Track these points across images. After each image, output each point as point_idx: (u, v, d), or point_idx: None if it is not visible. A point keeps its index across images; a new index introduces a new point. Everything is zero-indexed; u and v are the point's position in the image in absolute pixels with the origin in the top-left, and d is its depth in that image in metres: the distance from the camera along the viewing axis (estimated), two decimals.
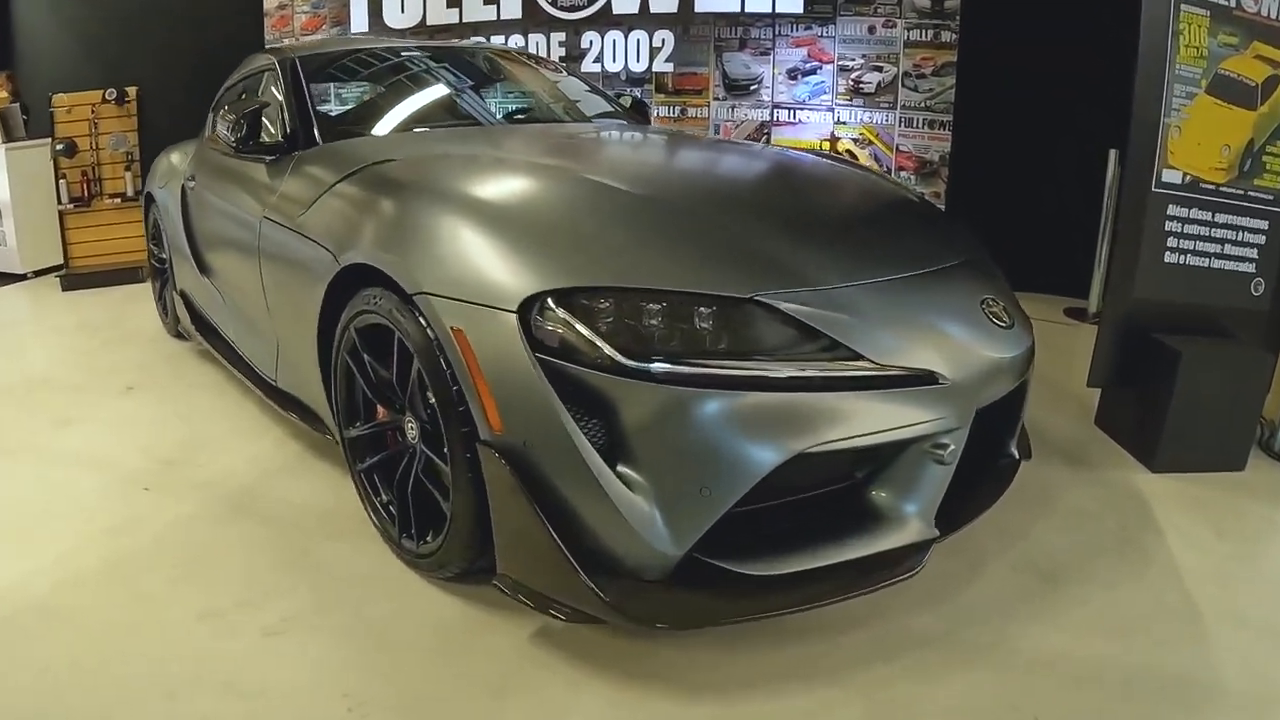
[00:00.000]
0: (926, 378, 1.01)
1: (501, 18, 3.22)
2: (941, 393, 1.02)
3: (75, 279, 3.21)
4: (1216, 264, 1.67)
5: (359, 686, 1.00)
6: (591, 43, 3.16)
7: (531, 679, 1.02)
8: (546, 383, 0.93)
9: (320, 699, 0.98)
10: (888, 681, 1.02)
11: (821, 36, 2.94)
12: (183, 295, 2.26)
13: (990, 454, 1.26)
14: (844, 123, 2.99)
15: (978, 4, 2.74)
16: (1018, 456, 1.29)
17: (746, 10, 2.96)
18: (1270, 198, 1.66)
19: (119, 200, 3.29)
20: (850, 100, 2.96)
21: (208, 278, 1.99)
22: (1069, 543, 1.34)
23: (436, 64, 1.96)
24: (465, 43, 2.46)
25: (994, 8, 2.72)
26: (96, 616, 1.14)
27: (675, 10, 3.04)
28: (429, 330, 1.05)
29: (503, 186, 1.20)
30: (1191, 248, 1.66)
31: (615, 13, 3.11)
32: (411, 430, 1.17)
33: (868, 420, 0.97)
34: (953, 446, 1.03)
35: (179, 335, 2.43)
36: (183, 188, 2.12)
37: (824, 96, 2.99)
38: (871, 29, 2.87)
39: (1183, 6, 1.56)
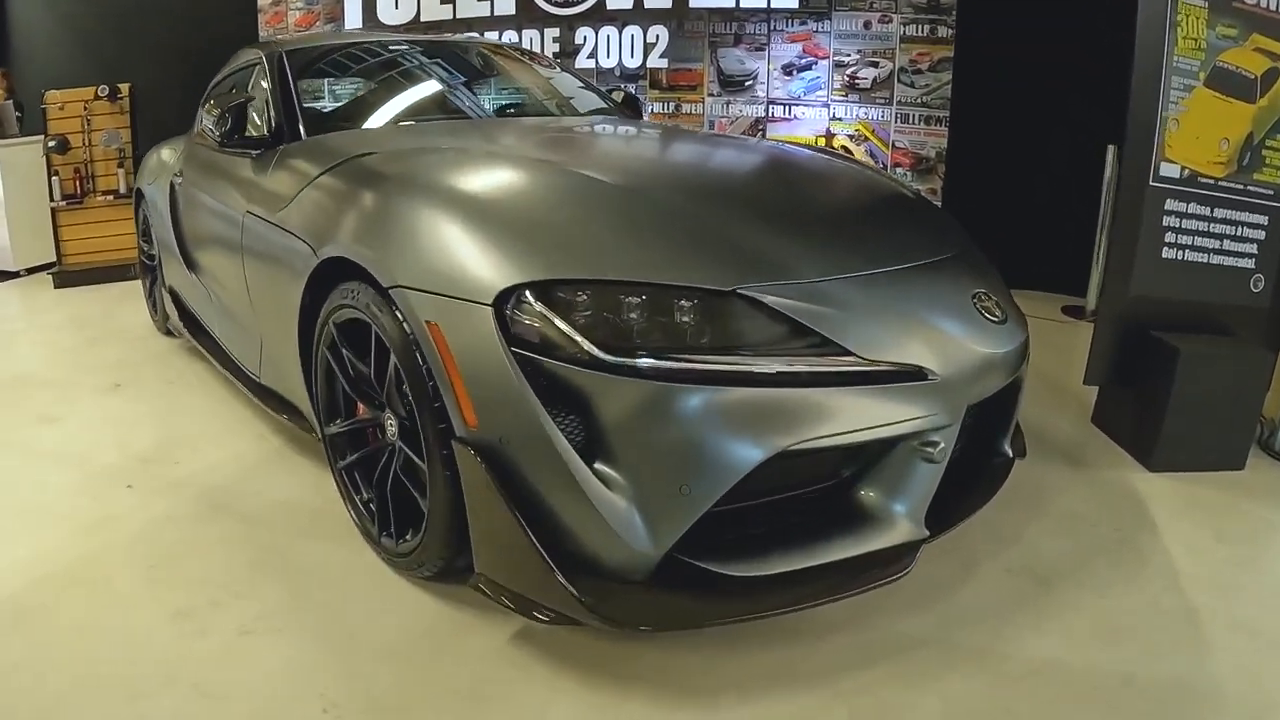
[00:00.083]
0: (915, 373, 0.99)
1: (495, 13, 3.20)
2: (931, 389, 0.99)
3: (67, 276, 3.20)
4: (1215, 260, 1.64)
5: (333, 688, 0.98)
6: (586, 38, 3.15)
7: (509, 681, 1.00)
8: (522, 378, 0.91)
9: (293, 701, 0.96)
10: (874, 686, 0.99)
11: (817, 32, 2.92)
12: (171, 292, 2.24)
13: (983, 452, 1.24)
14: (840, 119, 2.97)
15: None
16: (1011, 455, 1.27)
17: (741, 5, 2.95)
18: (1270, 192, 1.63)
19: (111, 197, 3.27)
20: (846, 96, 2.94)
21: (195, 274, 1.98)
22: (1063, 545, 1.31)
23: (425, 58, 1.94)
24: (455, 37, 2.44)
25: (990, 2, 2.70)
26: (69, 615, 1.13)
27: (670, 5, 3.02)
28: (405, 325, 1.03)
29: (482, 179, 1.18)
30: (1190, 243, 1.63)
31: (609, 8, 3.09)
32: (391, 427, 1.15)
33: (854, 417, 0.94)
34: (943, 444, 1.01)
35: (168, 332, 2.42)
36: (171, 184, 2.10)
37: (819, 92, 2.97)
38: (867, 24, 2.85)
39: None
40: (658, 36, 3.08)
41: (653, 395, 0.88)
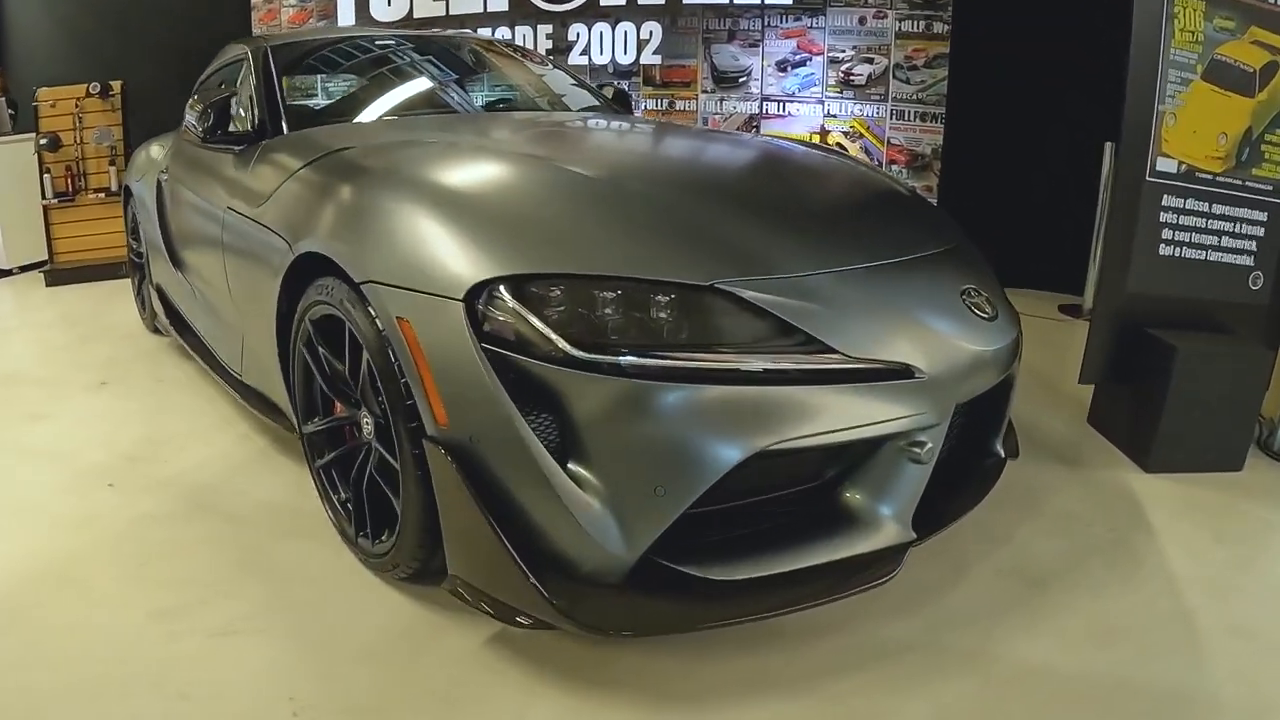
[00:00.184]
0: (901, 371, 0.96)
1: (488, 10, 3.18)
2: (917, 387, 0.96)
3: (59, 274, 3.19)
4: (1213, 256, 1.61)
5: (305, 690, 0.97)
6: (579, 35, 3.12)
7: (485, 685, 0.97)
8: (494, 375, 0.88)
9: (265, 703, 0.95)
10: (860, 692, 0.96)
11: (811, 28, 2.90)
12: (158, 290, 2.23)
13: (974, 452, 1.21)
14: (834, 115, 2.94)
15: None
16: (1004, 455, 1.24)
17: (735, 1, 2.92)
18: (1269, 188, 1.60)
19: (103, 195, 3.26)
20: (841, 92, 2.91)
21: (180, 271, 1.96)
22: (1057, 547, 1.28)
23: (412, 54, 1.92)
24: (443, 33, 2.42)
25: None
26: (47, 615, 1.12)
27: (663, 2, 3.00)
28: (377, 321, 1.01)
29: (458, 173, 1.15)
30: (1187, 240, 1.60)
31: (602, 4, 3.07)
32: (367, 426, 1.13)
33: (837, 416, 0.92)
34: (930, 444, 0.98)
35: (156, 330, 2.40)
36: (158, 180, 2.09)
37: (814, 89, 2.94)
38: (862, 20, 2.82)
39: None
40: (651, 33, 3.06)
41: (627, 393, 0.86)
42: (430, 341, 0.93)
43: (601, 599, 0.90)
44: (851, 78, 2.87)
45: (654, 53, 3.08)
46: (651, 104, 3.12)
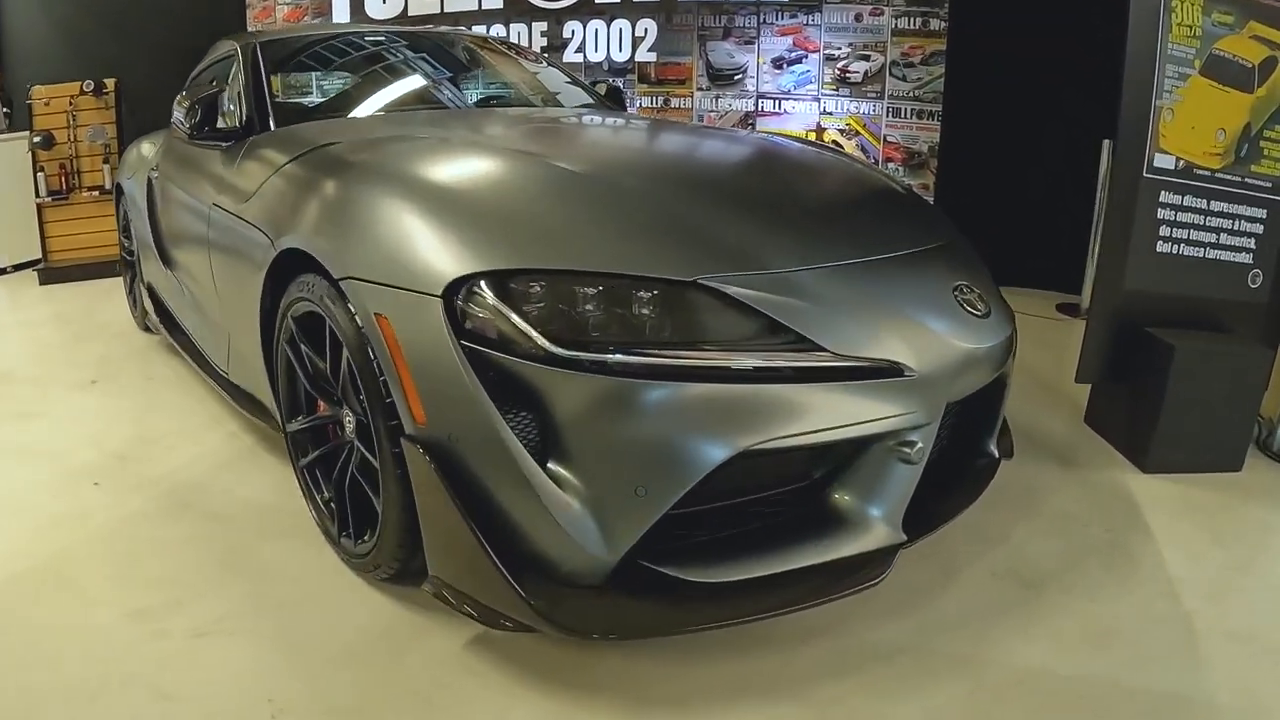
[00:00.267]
0: (890, 369, 0.94)
1: (483, 7, 3.17)
2: (907, 386, 0.94)
3: (52, 273, 3.18)
4: (1212, 254, 1.59)
5: (286, 691, 0.95)
6: (574, 32, 3.11)
7: (465, 688, 0.96)
8: (472, 373, 0.86)
9: (243, 704, 0.94)
10: (849, 696, 0.94)
11: (807, 25, 2.88)
12: (149, 288, 2.21)
13: (967, 453, 1.19)
14: (830, 113, 2.92)
15: None
16: (998, 455, 1.22)
17: None
18: (1268, 185, 1.58)
19: (97, 193, 3.25)
20: (837, 90, 2.89)
21: (170, 269, 1.95)
22: (1052, 548, 1.26)
23: (404, 50, 1.91)
24: (435, 29, 2.41)
25: None
26: (27, 614, 1.11)
27: None
28: (356, 318, 0.99)
29: (439, 167, 1.13)
30: (1185, 237, 1.58)
31: (597, 1, 3.06)
32: (349, 424, 1.11)
33: (824, 415, 0.90)
34: (920, 444, 0.96)
35: (147, 329, 2.39)
36: (149, 178, 2.08)
37: (810, 86, 2.92)
38: (858, 17, 2.80)
39: None
40: (646, 30, 3.04)
41: (607, 391, 0.84)
42: (408, 339, 0.91)
43: (582, 601, 0.88)
44: (848, 75, 2.85)
45: (649, 50, 3.07)
46: (647, 101, 3.11)
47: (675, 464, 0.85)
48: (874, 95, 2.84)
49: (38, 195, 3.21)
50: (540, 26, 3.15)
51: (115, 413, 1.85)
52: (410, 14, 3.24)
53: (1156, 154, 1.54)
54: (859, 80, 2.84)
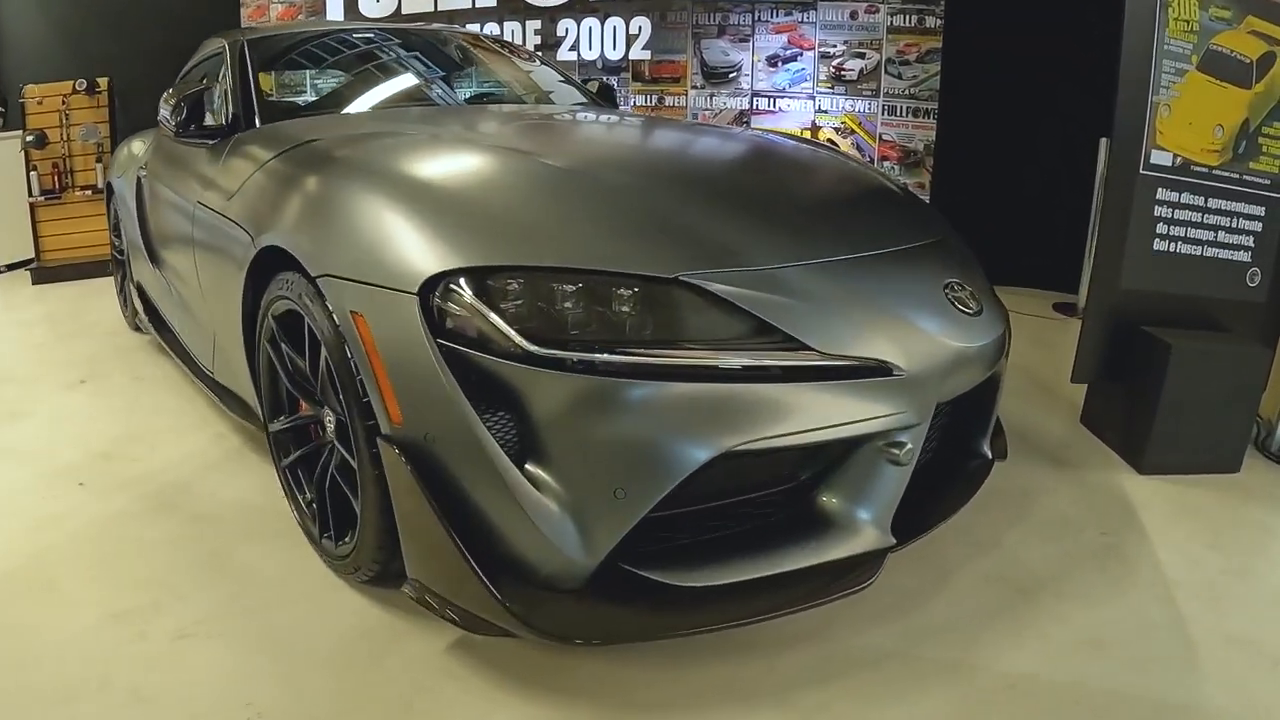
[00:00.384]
0: (878, 368, 0.92)
1: (477, 5, 3.16)
2: (896, 385, 0.92)
3: (45, 272, 3.16)
4: (1209, 252, 1.57)
5: (263, 695, 0.94)
6: (567, 30, 3.10)
7: (445, 692, 0.94)
8: (448, 372, 0.85)
9: (222, 708, 0.92)
10: (835, 703, 0.92)
11: (802, 22, 2.86)
12: (138, 287, 2.20)
13: (960, 454, 1.17)
14: (825, 111, 2.90)
15: None
16: (991, 457, 1.20)
17: None
18: (1267, 182, 1.56)
19: (90, 193, 3.24)
20: (832, 88, 2.87)
21: (158, 268, 1.94)
22: (1046, 552, 1.24)
23: (394, 48, 1.89)
24: (426, 27, 2.40)
25: None
26: (7, 615, 1.09)
27: None
28: (334, 315, 0.98)
29: (419, 163, 1.12)
30: (1183, 235, 1.56)
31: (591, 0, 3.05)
32: (330, 424, 1.10)
33: (809, 415, 0.88)
34: (910, 445, 0.94)
35: (137, 328, 2.37)
36: (138, 177, 2.06)
37: (805, 84, 2.91)
38: (854, 14, 2.79)
39: None
40: (640, 28, 3.03)
41: (586, 391, 0.82)
42: (384, 337, 0.89)
43: (561, 605, 0.86)
44: (843, 73, 2.83)
45: (643, 48, 3.05)
46: (641, 100, 3.09)
47: (655, 465, 0.83)
48: (869, 93, 2.82)
49: (30, 194, 3.20)
50: (534, 24, 3.14)
51: (103, 413, 1.84)
52: (404, 12, 3.23)
53: (1153, 151, 1.52)
54: (854, 78, 2.83)
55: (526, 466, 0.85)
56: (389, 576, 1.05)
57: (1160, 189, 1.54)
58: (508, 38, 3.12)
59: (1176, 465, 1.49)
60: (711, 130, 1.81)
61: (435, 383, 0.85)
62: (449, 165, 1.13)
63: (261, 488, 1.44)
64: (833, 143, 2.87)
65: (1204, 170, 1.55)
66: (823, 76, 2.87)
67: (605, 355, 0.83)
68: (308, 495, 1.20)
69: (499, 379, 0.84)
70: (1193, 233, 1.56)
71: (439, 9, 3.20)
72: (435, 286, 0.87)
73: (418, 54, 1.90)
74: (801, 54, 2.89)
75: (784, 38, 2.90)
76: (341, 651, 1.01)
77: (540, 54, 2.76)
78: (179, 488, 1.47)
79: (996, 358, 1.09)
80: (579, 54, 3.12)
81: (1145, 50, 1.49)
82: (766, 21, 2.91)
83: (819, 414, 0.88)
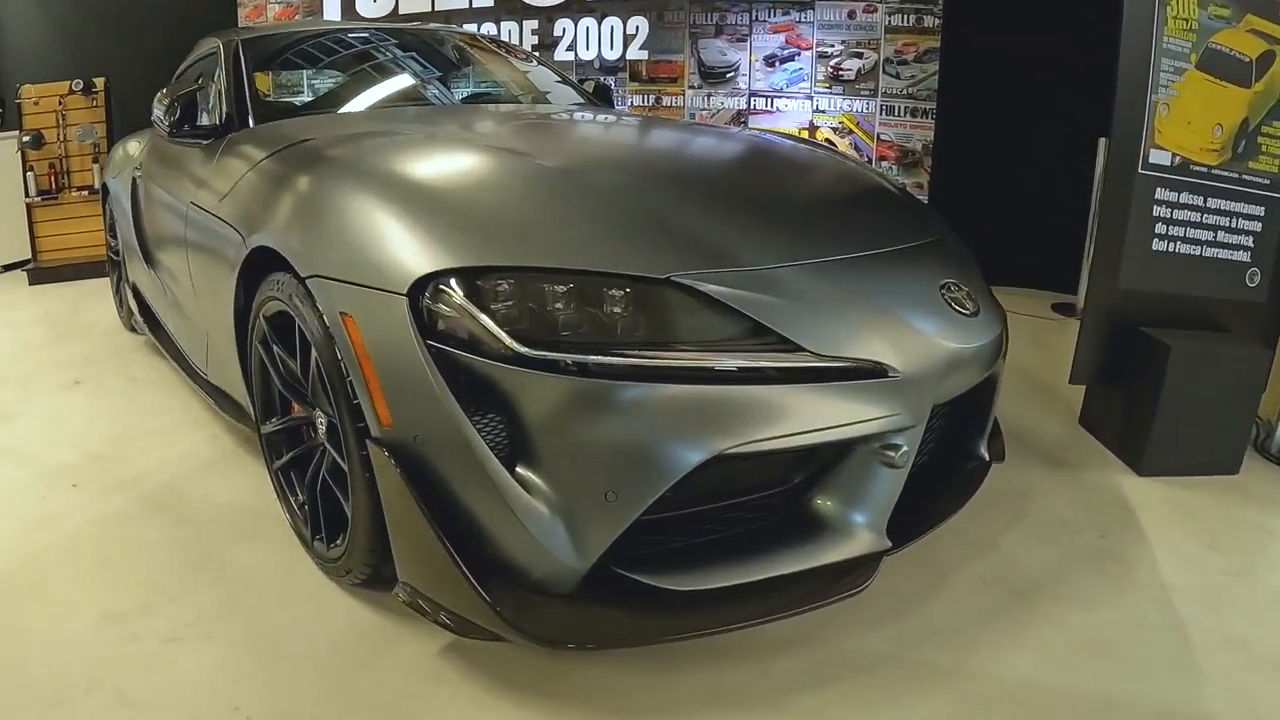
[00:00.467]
0: (873, 370, 0.91)
1: (474, 6, 3.15)
2: (891, 387, 0.91)
3: (42, 273, 3.16)
4: (1209, 252, 1.56)
5: (252, 699, 0.93)
6: (564, 30, 3.09)
7: (436, 697, 0.93)
8: (438, 374, 0.84)
9: (210, 711, 0.92)
10: (828, 708, 0.91)
11: (800, 22, 2.85)
12: (134, 288, 2.20)
13: (956, 455, 1.16)
14: (823, 111, 2.89)
15: None
16: (988, 459, 1.19)
17: None
18: (1266, 182, 1.55)
19: (86, 193, 3.23)
20: (830, 88, 2.86)
21: (152, 269, 1.93)
22: (1044, 554, 1.23)
23: (389, 48, 1.88)
24: (422, 27, 2.39)
25: None
26: (1, 616, 1.08)
27: None
28: (323, 317, 0.97)
29: (410, 163, 1.11)
30: (1182, 235, 1.55)
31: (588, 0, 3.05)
32: (322, 426, 1.09)
33: (803, 418, 0.87)
34: (905, 448, 0.93)
35: (134, 329, 2.37)
36: (133, 177, 2.06)
37: (802, 84, 2.90)
38: (851, 14, 2.78)
39: None
40: (637, 28, 3.02)
41: (577, 393, 0.81)
42: (373, 338, 0.89)
43: (552, 609, 0.85)
44: (841, 73, 2.83)
45: (640, 48, 3.05)
46: (638, 100, 3.08)
47: (647, 468, 0.82)
48: (867, 93, 2.81)
49: (27, 195, 3.19)
50: (531, 24, 3.13)
51: (97, 414, 1.83)
52: (401, 12, 3.23)
53: (1152, 150, 1.51)
54: (852, 78, 2.82)
55: (517, 469, 0.84)
56: (381, 579, 1.05)
57: (1159, 189, 1.53)
58: (505, 38, 3.11)
59: (1175, 467, 1.48)
60: (707, 130, 1.81)
61: (425, 385, 0.84)
62: (440, 165, 1.12)
63: (255, 489, 1.44)
64: (830, 143, 2.87)
65: (1203, 170, 1.54)
66: (820, 76, 2.87)
67: (596, 357, 0.82)
68: (300, 497, 1.19)
69: (489, 381, 0.83)
70: (1192, 233, 1.55)
71: (436, 9, 3.20)
72: (425, 287, 0.86)
73: (414, 54, 1.89)
74: (799, 54, 2.88)
75: (781, 37, 2.89)
76: (332, 655, 1.00)
77: (537, 54, 2.76)
78: (172, 489, 1.46)
79: (994, 359, 1.08)
80: (576, 54, 3.11)
81: (1144, 49, 1.48)
82: (764, 21, 2.90)
83: (813, 416, 0.87)
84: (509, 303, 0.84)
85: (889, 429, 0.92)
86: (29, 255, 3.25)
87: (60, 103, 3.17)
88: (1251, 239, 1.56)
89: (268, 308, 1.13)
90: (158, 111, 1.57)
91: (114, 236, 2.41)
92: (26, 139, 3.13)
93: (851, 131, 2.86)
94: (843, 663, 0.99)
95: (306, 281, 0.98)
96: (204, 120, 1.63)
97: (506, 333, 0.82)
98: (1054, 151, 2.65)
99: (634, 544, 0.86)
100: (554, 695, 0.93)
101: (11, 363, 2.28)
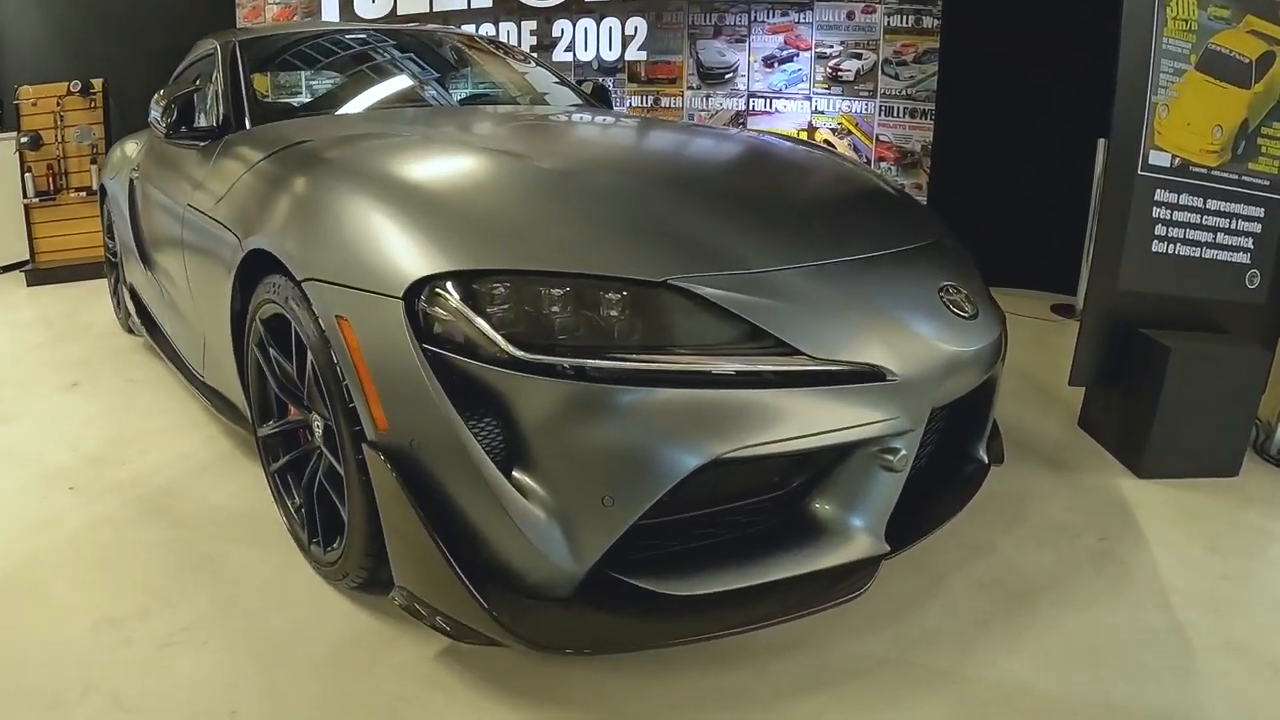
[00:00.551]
0: (871, 373, 0.90)
1: (472, 6, 3.15)
2: (890, 390, 0.91)
3: (40, 274, 3.16)
4: (1208, 254, 1.56)
5: (247, 703, 0.93)
6: (563, 31, 3.09)
7: (431, 702, 0.93)
8: (434, 378, 0.83)
9: (207, 715, 0.91)
10: (824, 712, 0.91)
11: (799, 23, 2.85)
12: (131, 290, 2.19)
13: (955, 458, 1.15)
14: (822, 112, 2.89)
15: None
16: (987, 461, 1.18)
17: None
18: (1266, 183, 1.54)
19: (85, 194, 3.23)
20: (828, 88, 2.86)
21: (149, 271, 1.93)
22: (1042, 558, 1.23)
23: (387, 49, 1.88)
24: (420, 28, 2.39)
25: None
26: None
27: None
28: (319, 320, 0.96)
29: (406, 165, 1.10)
30: (1181, 236, 1.55)
31: (586, 0, 3.03)
32: (318, 429, 1.08)
33: (801, 422, 0.86)
34: (904, 451, 0.93)
35: (131, 331, 2.37)
36: (130, 179, 2.05)
37: (801, 85, 2.89)
38: (850, 15, 2.77)
39: None
40: (636, 29, 3.02)
41: (573, 397, 0.81)
42: (369, 342, 0.88)
43: (548, 614, 0.85)
44: (839, 73, 2.82)
45: (639, 49, 3.04)
46: (636, 101, 3.08)
47: (644, 473, 0.81)
48: (866, 94, 2.80)
49: (25, 196, 3.19)
50: (530, 25, 3.13)
51: (94, 415, 1.83)
52: (399, 13, 3.23)
53: (1151, 151, 1.51)
54: (851, 79, 2.81)
55: (513, 473, 0.84)
56: (377, 583, 1.04)
57: (1159, 190, 1.53)
58: (503, 38, 3.11)
59: (1175, 469, 1.48)
60: (704, 131, 1.80)
61: (421, 389, 0.84)
62: (436, 167, 1.12)
63: (252, 491, 1.43)
64: (829, 144, 2.86)
65: (1203, 171, 1.53)
66: (819, 77, 2.86)
67: (593, 361, 0.81)
68: (296, 500, 1.19)
69: (485, 385, 0.83)
70: (1191, 234, 1.55)
71: (434, 9, 3.19)
72: (421, 291, 0.85)
73: (412, 55, 1.89)
74: (798, 54, 2.87)
75: (780, 38, 2.89)
76: (328, 659, 1.00)
77: (535, 55, 2.76)
78: (169, 491, 1.46)
79: (992, 361, 1.07)
80: (575, 55, 3.11)
81: (1143, 50, 1.47)
82: (763, 22, 2.89)
83: (811, 420, 0.87)
84: (505, 306, 0.84)
85: (887, 433, 0.91)
86: (27, 256, 3.25)
87: (58, 104, 3.17)
88: (1251, 240, 1.56)
89: (264, 311, 1.13)
90: (155, 113, 1.57)
91: (111, 238, 2.41)
92: (24, 140, 3.12)
93: (850, 132, 2.86)
94: (840, 666, 0.98)
95: (302, 284, 0.98)
96: (201, 122, 1.62)
97: (502, 336, 0.82)
98: (1052, 152, 2.65)
99: (631, 548, 0.86)
100: (550, 700, 0.93)
101: (9, 364, 2.27)
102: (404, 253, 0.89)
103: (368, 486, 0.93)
